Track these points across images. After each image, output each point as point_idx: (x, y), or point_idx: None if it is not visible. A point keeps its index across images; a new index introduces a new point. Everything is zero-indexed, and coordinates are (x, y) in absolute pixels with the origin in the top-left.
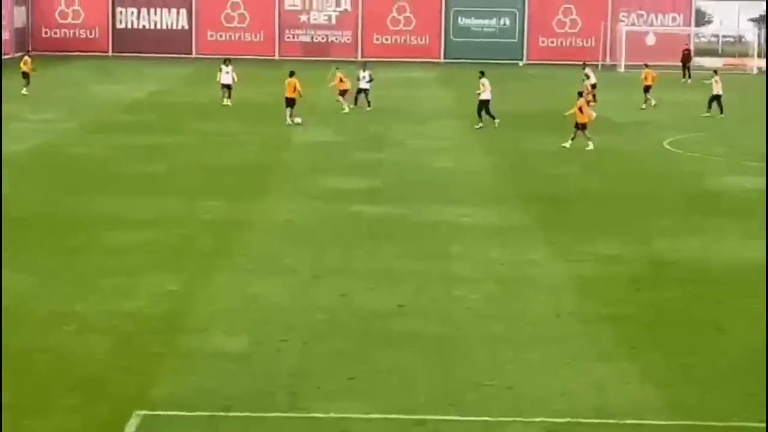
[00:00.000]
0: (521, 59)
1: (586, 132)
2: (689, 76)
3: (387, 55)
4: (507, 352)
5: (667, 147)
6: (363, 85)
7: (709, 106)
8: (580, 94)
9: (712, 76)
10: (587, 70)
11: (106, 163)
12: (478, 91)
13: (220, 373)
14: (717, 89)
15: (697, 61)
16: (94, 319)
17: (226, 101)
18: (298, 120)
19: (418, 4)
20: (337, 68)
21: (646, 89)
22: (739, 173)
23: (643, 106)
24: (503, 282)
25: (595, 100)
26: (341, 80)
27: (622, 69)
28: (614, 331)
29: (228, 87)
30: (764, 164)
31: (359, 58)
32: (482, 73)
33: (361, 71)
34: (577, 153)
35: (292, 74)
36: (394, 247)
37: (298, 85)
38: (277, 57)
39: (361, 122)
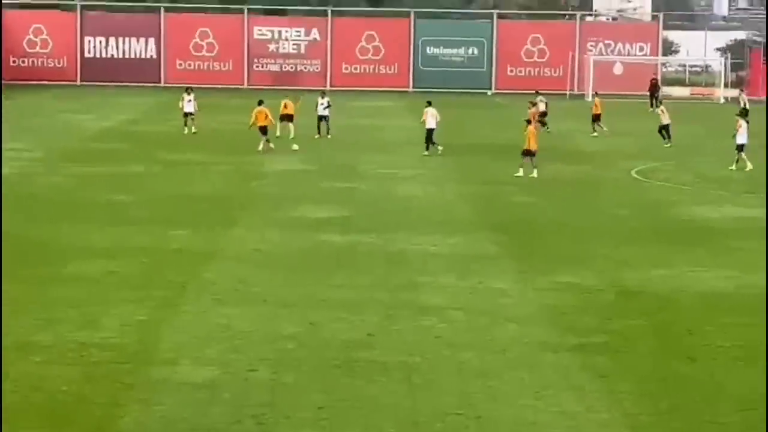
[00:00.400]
0: (489, 88)
1: (533, 160)
2: (657, 105)
3: (356, 84)
4: (476, 381)
5: (636, 176)
6: (321, 111)
7: (663, 136)
8: (529, 122)
9: (658, 107)
10: (539, 98)
11: (74, 192)
12: (421, 120)
13: (189, 403)
14: (665, 119)
15: (664, 90)
16: (62, 349)
17: (188, 129)
18: (268, 147)
19: (386, 33)
20: (286, 96)
21: (596, 118)
22: (707, 203)
23: (594, 134)
24: (472, 311)
25: (544, 126)
26: (285, 105)
27: (590, 98)
28: (584, 361)
29: (190, 115)
30: (729, 194)
31: (328, 87)
32: (429, 103)
33: (320, 98)
34: (545, 182)
35: (260, 103)
36: (363, 277)
37: (269, 114)
38: (246, 86)
39: (330, 151)
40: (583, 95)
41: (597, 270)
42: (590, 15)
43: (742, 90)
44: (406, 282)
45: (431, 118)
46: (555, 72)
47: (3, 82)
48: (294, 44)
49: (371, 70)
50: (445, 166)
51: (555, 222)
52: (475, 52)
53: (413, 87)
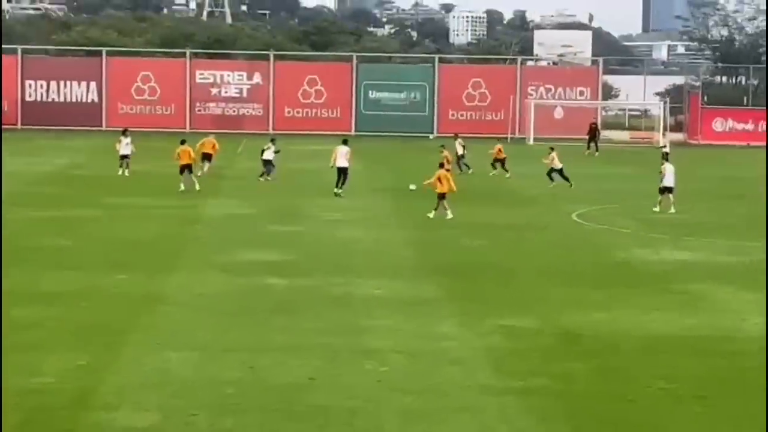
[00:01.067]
0: (432, 132)
1: (445, 202)
2: (596, 149)
3: (298, 128)
4: (418, 425)
5: (576, 219)
6: (267, 155)
7: (551, 179)
8: (441, 165)
9: (550, 153)
10: (458, 141)
11: (14, 236)
12: (332, 160)
13: None
14: (556, 164)
15: (604, 134)
16: (1, 395)
17: (123, 171)
18: (193, 186)
19: (328, 77)
20: (206, 136)
21: (501, 162)
22: (647, 246)
23: (493, 172)
24: (414, 354)
25: (460, 168)
26: (213, 146)
27: (531, 142)
28: (525, 404)
29: (126, 158)
30: (668, 237)
31: (270, 131)
32: (344, 142)
33: (270, 143)
34: (487, 226)
35: (183, 142)
36: (305, 320)
37: (192, 152)
38: (188, 130)
39: (272, 194)
40: (524, 139)
41: (539, 313)
42: (531, 59)
43: (664, 135)
44: (349, 325)
45: (342, 157)
46: (496, 116)
47: None
48: (236, 88)
49: (313, 114)
50: (388, 210)
51: (498, 265)
52: (417, 96)
53: (356, 131)
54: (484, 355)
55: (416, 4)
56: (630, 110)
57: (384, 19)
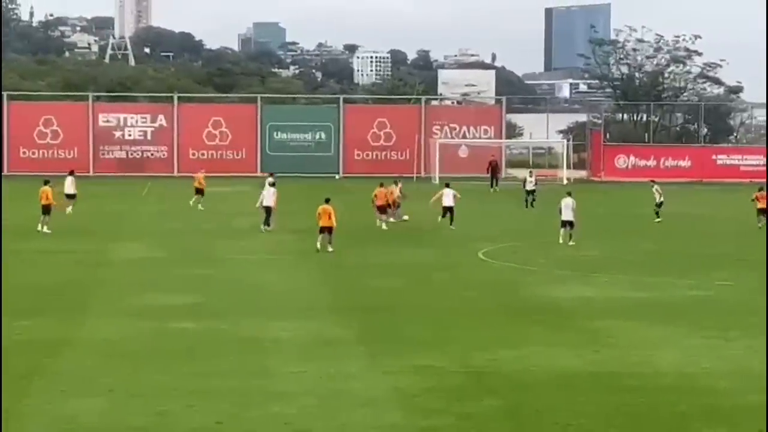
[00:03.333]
0: (338, 172)
1: (329, 237)
2: (496, 185)
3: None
4: None
5: (483, 257)
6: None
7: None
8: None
9: (497, 186)
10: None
11: None
12: (259, 201)
13: None
14: (448, 201)
15: (509, 171)
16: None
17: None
18: (46, 230)
19: (233, 118)
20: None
21: (393, 205)
22: (554, 282)
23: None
24: (322, 396)
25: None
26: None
27: (437, 181)
28: None
29: (71, 197)
30: (574, 274)
31: (176, 173)
32: (272, 184)
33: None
34: (397, 266)
35: (46, 183)
36: (214, 364)
37: (50, 194)
38: (92, 173)
39: (180, 237)
40: (430, 178)
41: (447, 352)
42: (435, 99)
43: (531, 173)
44: (258, 368)
45: (270, 196)
46: (402, 155)
47: None
48: (140, 131)
49: (219, 156)
50: (298, 251)
51: (406, 305)
52: (323, 136)
53: (261, 172)
54: (393, 395)
55: (320, 45)
56: (534, 148)
57: (288, 60)
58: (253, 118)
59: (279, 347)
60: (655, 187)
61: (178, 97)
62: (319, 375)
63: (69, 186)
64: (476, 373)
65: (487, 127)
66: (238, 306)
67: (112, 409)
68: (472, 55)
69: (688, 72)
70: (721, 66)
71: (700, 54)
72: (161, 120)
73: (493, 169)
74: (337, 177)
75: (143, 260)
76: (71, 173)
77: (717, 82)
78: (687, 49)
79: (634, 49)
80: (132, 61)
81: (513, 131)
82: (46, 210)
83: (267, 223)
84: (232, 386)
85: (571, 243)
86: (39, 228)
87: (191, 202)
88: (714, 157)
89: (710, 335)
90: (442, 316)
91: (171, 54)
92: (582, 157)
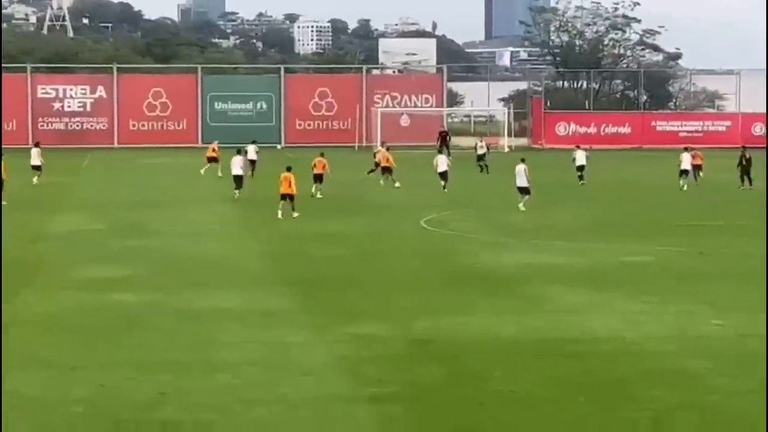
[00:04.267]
0: (279, 142)
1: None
2: (448, 155)
3: (144, 141)
4: None
5: (425, 226)
6: (237, 170)
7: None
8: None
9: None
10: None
11: None
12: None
13: None
14: (442, 167)
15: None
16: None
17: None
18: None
19: (173, 89)
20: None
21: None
22: (495, 250)
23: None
24: (266, 365)
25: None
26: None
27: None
28: (378, 411)
29: (37, 168)
30: (514, 241)
31: (116, 144)
32: (238, 152)
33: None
34: (340, 236)
35: None
36: (156, 335)
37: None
38: (30, 145)
39: (120, 209)
40: (372, 147)
41: (389, 320)
42: (377, 68)
43: (481, 139)
44: (200, 339)
45: (237, 165)
46: (343, 125)
47: None
48: (79, 102)
49: (159, 127)
50: (241, 222)
51: (348, 274)
52: (264, 106)
53: (202, 143)
54: (336, 364)
55: (260, 15)
56: (475, 116)
57: (228, 31)
58: (194, 88)
59: (221, 318)
60: (689, 153)
61: (118, 68)
62: (262, 345)
63: (35, 157)
64: (419, 341)
65: (429, 95)
66: (179, 277)
67: (53, 382)
68: (413, 24)
69: (627, 39)
70: (659, 33)
71: (638, 21)
72: (101, 91)
73: (443, 139)
74: (278, 147)
75: (83, 232)
76: (36, 145)
77: (656, 48)
78: (625, 16)
79: (575, 17)
80: (70, 33)
81: (454, 100)
82: None
83: (238, 188)
84: (174, 358)
85: (522, 208)
86: None
87: (202, 171)
88: (653, 123)
89: (650, 300)
90: (384, 284)
91: (110, 25)
92: (523, 125)
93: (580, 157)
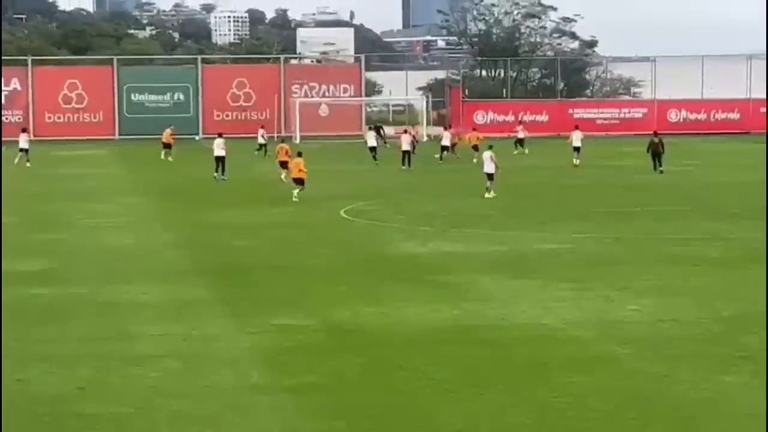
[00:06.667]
0: (197, 133)
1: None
2: (385, 143)
3: (60, 134)
4: (191, 428)
5: (344, 216)
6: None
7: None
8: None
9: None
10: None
11: None
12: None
13: None
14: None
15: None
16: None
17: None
18: None
19: (89, 81)
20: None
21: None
22: (414, 239)
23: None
24: (185, 358)
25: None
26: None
27: (298, 140)
28: (298, 401)
29: (24, 150)
30: (433, 229)
31: (31, 137)
32: (220, 135)
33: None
34: (257, 226)
35: None
36: (72, 329)
37: None
38: None
39: (33, 201)
40: (291, 137)
41: (309, 310)
42: (294, 57)
43: (445, 128)
44: (117, 332)
45: (217, 147)
46: (262, 115)
47: None
48: None
49: (75, 119)
50: (153, 213)
51: (267, 264)
52: (181, 97)
53: (119, 135)
54: (256, 354)
55: (177, 5)
56: (393, 106)
57: (144, 21)
58: (110, 80)
59: (138, 311)
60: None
61: (32, 60)
62: (180, 337)
63: (23, 142)
64: (338, 331)
65: (347, 85)
66: (94, 270)
67: None
68: (331, 14)
69: (544, 27)
70: (575, 21)
71: (555, 9)
72: (15, 84)
73: (377, 130)
74: (197, 138)
75: None
76: (24, 131)
77: (572, 36)
78: (541, 4)
79: (492, 5)
80: None
81: (372, 89)
82: None
83: (219, 171)
84: (91, 351)
85: (489, 195)
86: None
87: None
88: (571, 111)
89: (568, 287)
90: (302, 274)
91: (24, 16)
92: (442, 114)
93: (576, 139)
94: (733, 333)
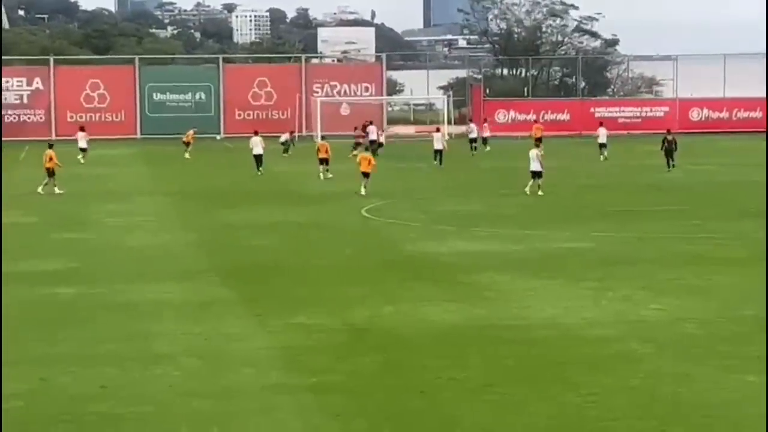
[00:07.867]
0: (218, 133)
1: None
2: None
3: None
4: (211, 428)
5: (366, 215)
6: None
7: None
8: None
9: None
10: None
11: None
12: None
13: None
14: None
15: (391, 129)
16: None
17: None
18: None
19: (111, 80)
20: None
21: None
22: (435, 238)
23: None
24: (206, 357)
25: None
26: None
27: (319, 139)
28: (319, 401)
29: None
30: (454, 228)
31: (53, 137)
32: (256, 133)
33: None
34: (278, 225)
35: None
36: (93, 329)
37: None
38: None
39: (56, 202)
40: (312, 136)
41: (329, 310)
42: (316, 57)
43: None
44: (138, 332)
45: (256, 146)
46: (283, 114)
47: None
48: (16, 94)
49: (97, 119)
50: (178, 213)
51: (287, 264)
52: (203, 97)
53: (141, 134)
54: (277, 354)
55: (198, 5)
56: (415, 105)
57: (166, 21)
58: (132, 79)
59: (159, 310)
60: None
61: (55, 60)
62: (201, 336)
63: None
64: (359, 330)
65: (368, 84)
66: (115, 270)
67: None
68: (351, 13)
69: (565, 26)
70: (597, 19)
71: (576, 8)
72: (38, 83)
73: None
74: (218, 137)
75: (17, 225)
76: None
77: (593, 35)
78: (563, 3)
79: (513, 4)
80: (6, 24)
81: (394, 88)
82: None
83: (259, 168)
84: (113, 350)
85: (540, 193)
86: None
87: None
88: (592, 109)
89: (589, 286)
90: (323, 273)
91: (46, 16)
92: (463, 113)
93: (602, 135)
94: (756, 333)
